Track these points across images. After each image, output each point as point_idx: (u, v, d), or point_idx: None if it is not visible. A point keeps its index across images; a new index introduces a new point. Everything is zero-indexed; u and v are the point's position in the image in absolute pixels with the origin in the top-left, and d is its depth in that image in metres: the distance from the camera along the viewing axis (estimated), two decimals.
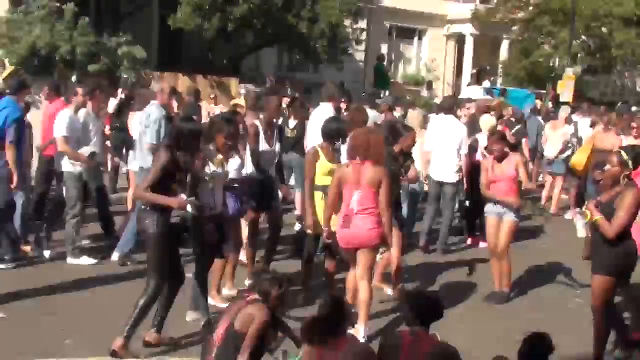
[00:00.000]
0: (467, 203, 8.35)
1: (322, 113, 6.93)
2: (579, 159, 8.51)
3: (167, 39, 17.46)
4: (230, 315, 3.88)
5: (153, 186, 4.49)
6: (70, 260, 6.48)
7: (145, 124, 6.37)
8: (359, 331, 4.86)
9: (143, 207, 4.62)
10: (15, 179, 6.07)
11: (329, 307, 3.55)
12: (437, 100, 19.14)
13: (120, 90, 10.68)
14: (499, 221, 6.15)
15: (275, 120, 6.38)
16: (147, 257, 4.72)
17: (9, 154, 6.01)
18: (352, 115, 7.02)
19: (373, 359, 3.48)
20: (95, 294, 5.85)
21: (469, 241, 8.25)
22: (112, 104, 9.42)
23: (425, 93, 22.02)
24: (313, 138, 6.88)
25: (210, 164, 5.00)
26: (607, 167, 4.69)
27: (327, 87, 7.55)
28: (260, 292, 3.92)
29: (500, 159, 6.23)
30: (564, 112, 10.48)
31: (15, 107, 6.21)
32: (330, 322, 3.47)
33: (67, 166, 6.46)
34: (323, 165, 5.58)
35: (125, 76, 13.36)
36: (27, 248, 6.68)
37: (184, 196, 4.59)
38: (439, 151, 7.64)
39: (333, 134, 5.66)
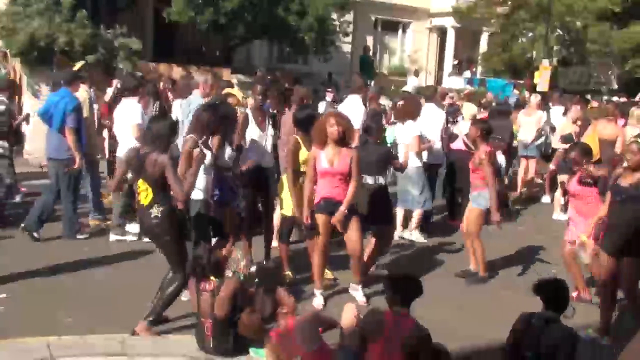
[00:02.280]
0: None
1: (350, 104, 7.24)
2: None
3: (161, 31, 17.65)
4: (206, 309, 4.01)
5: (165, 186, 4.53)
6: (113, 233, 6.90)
7: (187, 111, 6.69)
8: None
9: (153, 215, 4.58)
10: (77, 160, 6.51)
11: (258, 299, 3.77)
12: (410, 89, 19.66)
13: (115, 80, 11.03)
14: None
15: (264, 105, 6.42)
16: (166, 257, 4.77)
17: (70, 138, 6.47)
18: (404, 105, 7.42)
19: (324, 318, 3.72)
20: (97, 273, 5.91)
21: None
22: (109, 93, 9.55)
23: (413, 81, 22.56)
24: None
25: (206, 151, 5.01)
26: (629, 156, 4.88)
27: (354, 80, 7.88)
28: (212, 272, 4.07)
29: (473, 144, 6.39)
30: (535, 98, 11.03)
31: (71, 96, 6.64)
32: (261, 313, 3.68)
33: None
34: (303, 153, 5.57)
35: (122, 67, 13.58)
36: (96, 222, 7.11)
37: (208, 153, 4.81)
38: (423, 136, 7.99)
39: (305, 122, 5.62)
